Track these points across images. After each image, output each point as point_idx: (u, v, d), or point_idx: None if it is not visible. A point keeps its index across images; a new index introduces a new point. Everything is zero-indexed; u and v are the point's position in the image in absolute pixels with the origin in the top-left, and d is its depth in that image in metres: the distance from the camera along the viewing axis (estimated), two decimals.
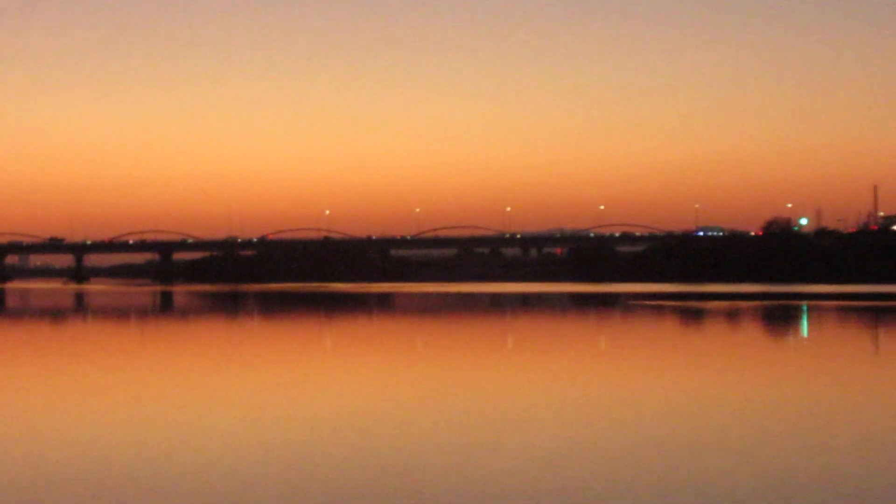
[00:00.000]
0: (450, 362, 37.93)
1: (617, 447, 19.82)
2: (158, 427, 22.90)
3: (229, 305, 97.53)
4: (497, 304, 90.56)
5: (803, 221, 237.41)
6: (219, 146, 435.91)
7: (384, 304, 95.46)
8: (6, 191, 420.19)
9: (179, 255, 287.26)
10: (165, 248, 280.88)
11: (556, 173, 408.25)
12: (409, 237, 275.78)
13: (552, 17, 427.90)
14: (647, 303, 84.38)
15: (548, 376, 32.46)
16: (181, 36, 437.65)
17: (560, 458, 18.77)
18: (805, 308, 74.37)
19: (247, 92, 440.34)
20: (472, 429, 22.18)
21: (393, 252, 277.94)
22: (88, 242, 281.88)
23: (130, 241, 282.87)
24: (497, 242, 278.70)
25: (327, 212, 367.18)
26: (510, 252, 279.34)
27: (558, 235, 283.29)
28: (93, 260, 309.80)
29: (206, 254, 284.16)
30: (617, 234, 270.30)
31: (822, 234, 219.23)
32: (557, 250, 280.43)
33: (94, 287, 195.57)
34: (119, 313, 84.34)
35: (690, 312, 71.15)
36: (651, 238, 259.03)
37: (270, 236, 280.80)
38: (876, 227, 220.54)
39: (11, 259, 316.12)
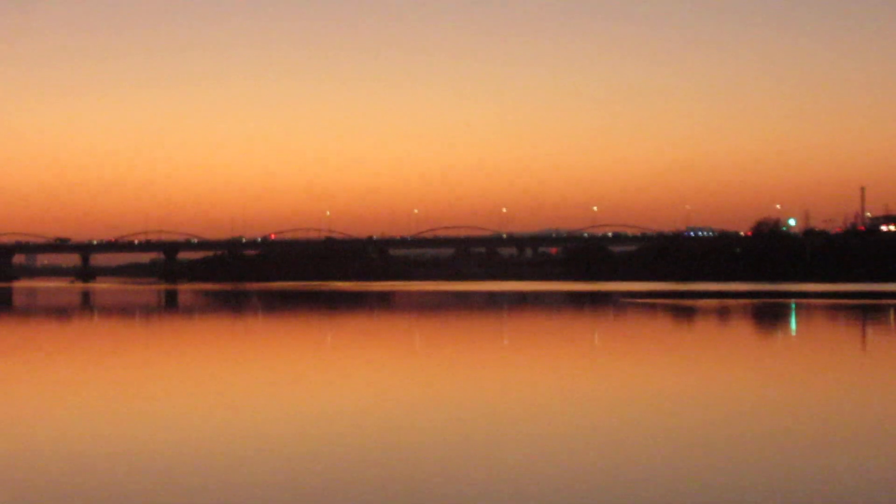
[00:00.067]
0: (449, 359, 37.96)
1: (615, 444, 19.86)
2: (157, 424, 22.89)
3: (233, 303, 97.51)
4: (494, 303, 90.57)
5: (792, 222, 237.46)
6: (223, 148, 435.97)
7: (384, 302, 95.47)
8: (13, 192, 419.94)
9: (184, 255, 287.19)
10: (170, 247, 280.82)
11: (551, 175, 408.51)
12: (408, 237, 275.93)
13: (546, 22, 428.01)
14: (640, 301, 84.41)
15: (545, 373, 32.50)
16: (185, 38, 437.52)
17: (560, 454, 18.80)
18: (793, 306, 74.43)
19: (249, 95, 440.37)
20: (471, 425, 22.20)
21: (392, 252, 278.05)
22: (94, 242, 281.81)
23: (136, 241, 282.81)
24: (493, 242, 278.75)
25: (328, 213, 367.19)
26: (506, 252, 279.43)
27: (553, 235, 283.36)
28: (99, 259, 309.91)
29: (210, 253, 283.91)
30: (610, 235, 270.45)
31: (810, 235, 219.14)
32: (552, 250, 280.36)
33: (101, 286, 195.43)
34: (125, 311, 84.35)
35: (682, 310, 71.20)
36: (643, 238, 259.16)
37: (273, 236, 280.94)
38: (863, 228, 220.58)
39: (19, 259, 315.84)
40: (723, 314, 65.69)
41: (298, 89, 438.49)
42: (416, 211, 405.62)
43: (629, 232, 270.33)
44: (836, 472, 16.79)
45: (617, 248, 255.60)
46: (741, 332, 51.49)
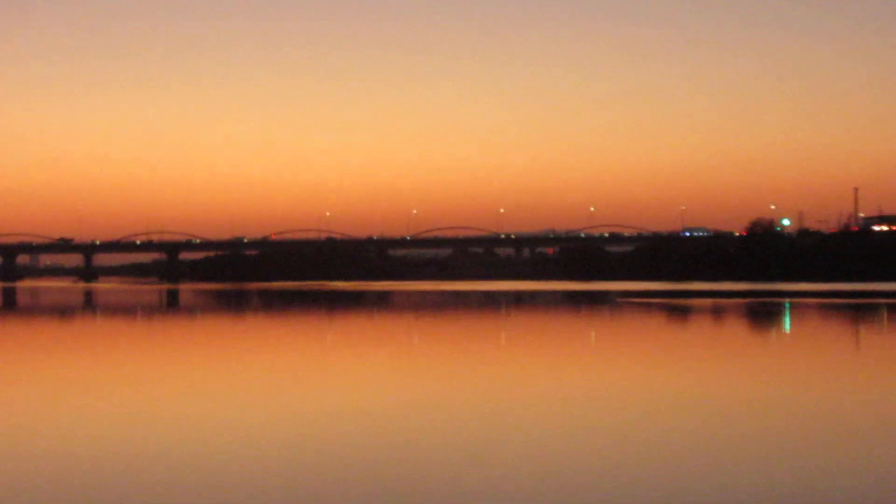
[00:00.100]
0: (448, 358, 38.03)
1: (615, 442, 19.91)
2: (157, 423, 22.93)
3: (234, 303, 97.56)
4: (492, 302, 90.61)
5: (786, 222, 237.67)
6: (224, 149, 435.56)
7: (383, 301, 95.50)
8: (17, 193, 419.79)
9: (185, 255, 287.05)
10: (172, 247, 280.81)
11: (548, 176, 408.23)
12: (408, 237, 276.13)
13: (545, 25, 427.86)
14: (636, 300, 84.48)
15: (543, 372, 32.57)
16: (188, 40, 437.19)
17: (560, 453, 18.85)
18: (787, 305, 74.52)
19: (251, 96, 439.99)
20: (471, 424, 22.24)
21: (391, 252, 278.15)
22: (97, 242, 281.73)
23: (138, 242, 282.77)
24: (491, 242, 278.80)
25: (328, 213, 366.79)
26: (504, 252, 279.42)
27: (550, 236, 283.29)
28: (101, 259, 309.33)
29: (212, 253, 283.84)
30: (606, 235, 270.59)
31: (804, 235, 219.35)
32: (549, 250, 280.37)
33: (103, 285, 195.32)
34: (127, 311, 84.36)
35: (677, 310, 71.28)
36: (639, 238, 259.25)
37: (273, 236, 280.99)
38: (856, 228, 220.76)
39: (22, 259, 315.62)
40: (718, 313, 65.79)
41: (299, 91, 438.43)
42: (414, 211, 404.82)
43: (625, 232, 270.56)
44: (828, 470, 16.85)
45: (613, 249, 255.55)
46: (736, 331, 51.57)
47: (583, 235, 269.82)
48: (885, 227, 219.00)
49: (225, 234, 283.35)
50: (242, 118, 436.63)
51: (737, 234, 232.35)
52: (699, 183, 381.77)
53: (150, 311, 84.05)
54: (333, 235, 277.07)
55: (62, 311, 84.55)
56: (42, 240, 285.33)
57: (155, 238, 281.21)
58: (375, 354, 39.09)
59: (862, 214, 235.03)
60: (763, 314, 64.99)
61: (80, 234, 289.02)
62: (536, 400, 25.32)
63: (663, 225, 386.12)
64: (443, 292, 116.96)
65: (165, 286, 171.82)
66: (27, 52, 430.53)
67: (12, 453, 19.03)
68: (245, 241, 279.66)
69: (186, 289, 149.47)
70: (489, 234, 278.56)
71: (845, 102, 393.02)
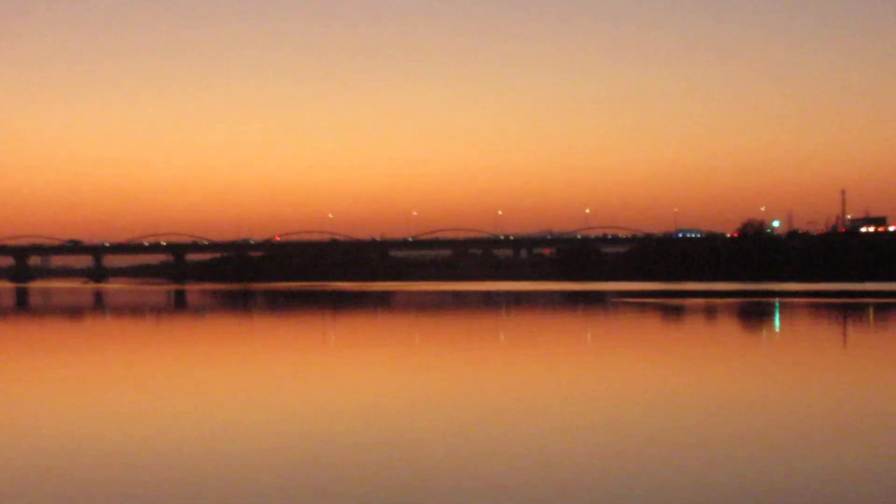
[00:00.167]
0: (448, 357, 38.09)
1: (614, 439, 19.98)
2: (161, 421, 23.00)
3: (239, 303, 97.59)
4: (490, 302, 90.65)
5: (776, 224, 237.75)
6: (229, 153, 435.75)
7: (385, 301, 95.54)
8: (29, 196, 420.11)
9: (192, 256, 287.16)
10: (179, 249, 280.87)
11: (546, 179, 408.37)
12: (409, 239, 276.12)
13: (542, 28, 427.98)
14: (631, 300, 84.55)
15: (541, 370, 32.63)
16: (193, 43, 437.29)
17: (560, 450, 18.93)
18: (777, 304, 74.59)
19: (255, 102, 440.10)
20: (471, 422, 22.30)
21: (392, 253, 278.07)
22: (106, 244, 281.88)
23: (146, 243, 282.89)
24: (490, 244, 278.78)
25: (330, 215, 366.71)
26: (502, 253, 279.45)
27: (547, 237, 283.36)
28: (110, 261, 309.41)
29: (218, 255, 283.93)
30: (602, 236, 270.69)
31: (793, 236, 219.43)
32: (546, 251, 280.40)
33: (112, 286, 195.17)
34: (136, 311, 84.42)
35: (671, 309, 71.36)
36: (634, 240, 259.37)
37: (278, 238, 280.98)
38: (844, 230, 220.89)
39: (34, 260, 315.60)
40: (710, 313, 65.88)
41: (303, 95, 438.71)
42: (414, 213, 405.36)
43: (620, 234, 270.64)
44: (818, 464, 16.95)
45: (609, 249, 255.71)
46: (728, 329, 51.66)
47: (579, 237, 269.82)
48: (871, 229, 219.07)
49: (230, 236, 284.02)
50: (248, 122, 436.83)
51: (729, 235, 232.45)
52: (692, 185, 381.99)
53: (159, 311, 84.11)
54: (337, 237, 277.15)
55: (74, 312, 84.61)
56: (53, 242, 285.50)
57: (162, 240, 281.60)
58: (377, 354, 39.16)
59: (849, 216, 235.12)
60: (754, 313, 65.07)
61: (90, 237, 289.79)
62: (535, 398, 25.39)
63: (657, 226, 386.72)
64: (443, 292, 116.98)
65: (173, 287, 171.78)
66: (38, 57, 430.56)
67: (23, 448, 19.13)
68: (250, 242, 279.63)
69: (193, 289, 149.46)
70: (488, 235, 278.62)
71: (833, 108, 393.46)
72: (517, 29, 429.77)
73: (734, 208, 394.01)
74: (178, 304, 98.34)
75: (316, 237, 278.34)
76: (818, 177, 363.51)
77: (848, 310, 66.92)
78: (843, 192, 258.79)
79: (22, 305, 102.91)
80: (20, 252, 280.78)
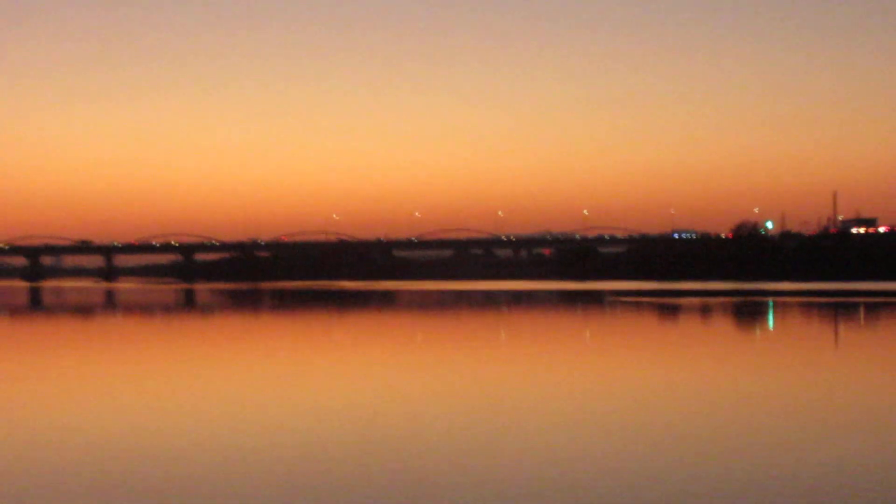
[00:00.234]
0: (451, 354, 38.16)
1: (614, 436, 20.04)
2: (169, 415, 23.06)
3: (247, 302, 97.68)
4: (491, 301, 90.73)
5: (769, 225, 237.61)
6: (237, 155, 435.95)
7: (389, 300, 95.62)
8: (41, 197, 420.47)
9: (201, 256, 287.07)
10: (188, 249, 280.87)
11: (545, 181, 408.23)
12: (413, 239, 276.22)
13: (541, 32, 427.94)
14: (628, 299, 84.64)
15: (542, 367, 32.69)
16: (202, 47, 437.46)
17: (560, 448, 18.97)
18: (771, 303, 74.68)
19: (262, 105, 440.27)
20: (474, 418, 22.35)
21: (396, 252, 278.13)
22: (117, 244, 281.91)
23: (156, 244, 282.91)
24: (490, 244, 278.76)
25: (336, 216, 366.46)
26: (502, 253, 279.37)
27: (547, 237, 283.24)
28: (121, 260, 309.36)
29: (226, 255, 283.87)
30: (600, 237, 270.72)
31: (786, 237, 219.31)
32: (546, 251, 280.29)
33: (123, 285, 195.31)
34: (147, 309, 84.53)
35: (667, 308, 71.46)
36: (631, 240, 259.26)
37: (285, 238, 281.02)
38: (835, 231, 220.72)
39: (47, 260, 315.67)
40: (705, 311, 65.99)
41: (308, 98, 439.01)
42: (417, 214, 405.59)
43: (618, 234, 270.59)
44: (811, 457, 17.02)
45: (606, 250, 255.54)
46: (723, 328, 51.74)
47: (577, 237, 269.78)
48: (862, 230, 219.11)
49: (238, 237, 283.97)
50: (256, 125, 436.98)
51: (723, 235, 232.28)
52: (688, 187, 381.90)
53: (169, 309, 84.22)
54: (342, 237, 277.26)
55: (86, 310, 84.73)
56: (64, 242, 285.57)
57: (172, 240, 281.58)
58: (381, 351, 39.22)
59: (841, 217, 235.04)
60: (748, 312, 65.16)
61: (101, 237, 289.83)
62: (535, 396, 25.46)
63: (653, 227, 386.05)
64: (445, 291, 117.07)
65: (182, 286, 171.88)
66: (50, 61, 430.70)
67: (35, 443, 19.23)
68: (258, 242, 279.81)
69: (202, 288, 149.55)
70: (489, 235, 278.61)
71: (827, 112, 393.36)
72: (518, 32, 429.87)
73: (729, 210, 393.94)
74: (188, 303, 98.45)
75: (322, 237, 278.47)
76: (811, 179, 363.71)
77: (839, 309, 67.01)
78: (835, 193, 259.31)
79: (35, 304, 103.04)
80: (33, 252, 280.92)
